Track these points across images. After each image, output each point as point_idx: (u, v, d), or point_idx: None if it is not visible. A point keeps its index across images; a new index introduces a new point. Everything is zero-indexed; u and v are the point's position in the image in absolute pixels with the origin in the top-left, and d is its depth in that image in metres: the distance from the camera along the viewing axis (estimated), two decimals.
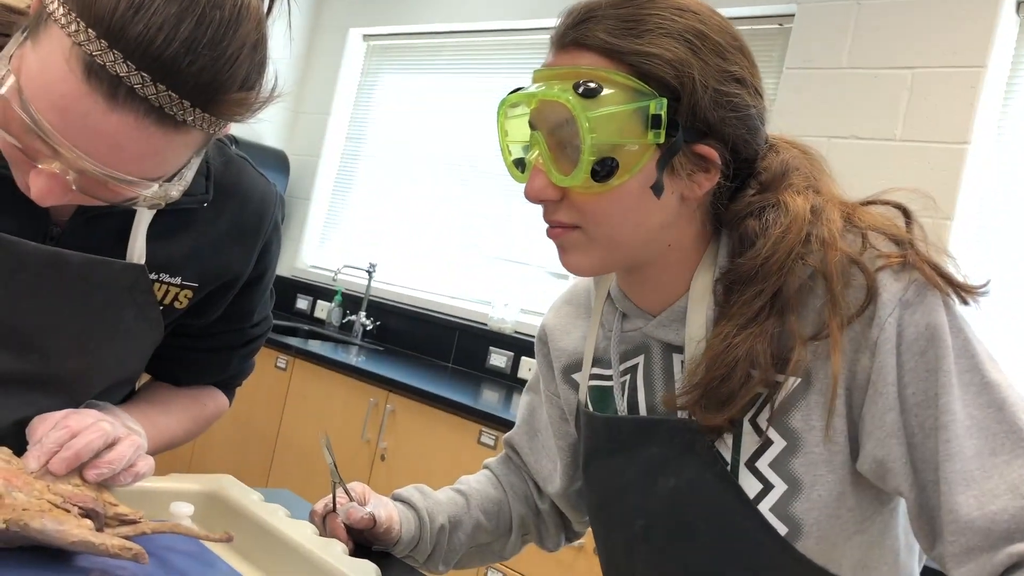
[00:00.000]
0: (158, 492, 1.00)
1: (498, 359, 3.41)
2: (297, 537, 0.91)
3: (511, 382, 3.32)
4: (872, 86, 2.58)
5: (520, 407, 1.19)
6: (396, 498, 1.13)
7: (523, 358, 3.31)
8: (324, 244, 4.41)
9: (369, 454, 2.88)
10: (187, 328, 1.07)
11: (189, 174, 0.82)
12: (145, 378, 1.16)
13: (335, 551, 0.90)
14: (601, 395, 0.99)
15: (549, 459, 1.13)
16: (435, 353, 3.64)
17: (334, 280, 3.93)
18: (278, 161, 4.28)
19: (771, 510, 0.84)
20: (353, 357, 3.25)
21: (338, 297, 4.05)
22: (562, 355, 1.08)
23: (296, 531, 0.93)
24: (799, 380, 0.83)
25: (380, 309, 3.89)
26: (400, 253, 4.03)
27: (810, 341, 0.82)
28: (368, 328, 3.88)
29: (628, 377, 0.96)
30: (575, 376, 1.06)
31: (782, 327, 0.83)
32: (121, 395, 1.07)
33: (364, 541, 1.07)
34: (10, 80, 0.72)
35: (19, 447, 0.87)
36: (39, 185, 0.75)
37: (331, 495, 1.06)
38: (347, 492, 1.06)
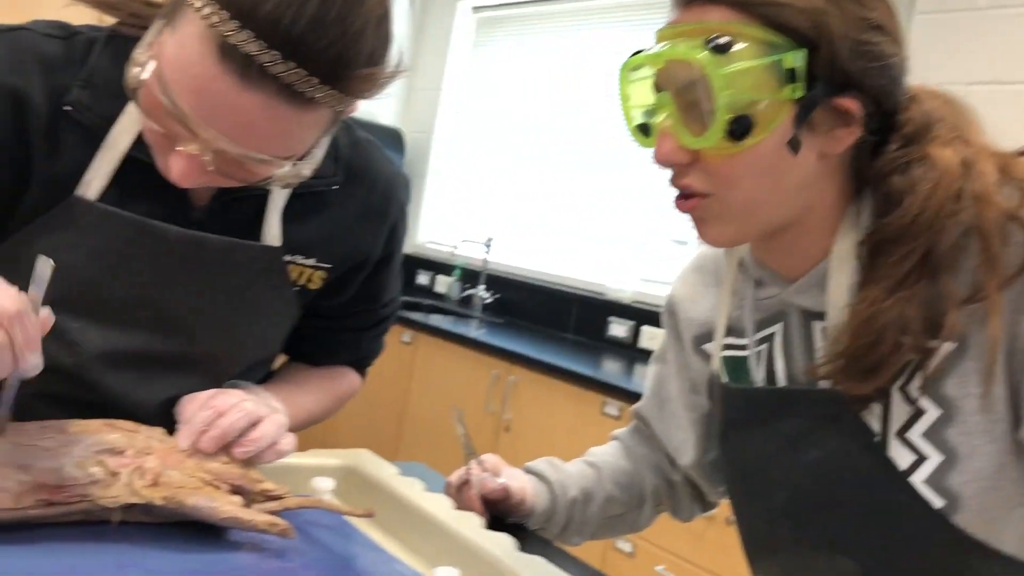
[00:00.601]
0: (299, 468, 1.03)
1: (618, 329, 3.38)
2: (434, 510, 0.93)
3: (632, 352, 3.29)
4: (1017, 26, 2.41)
5: (648, 378, 1.17)
6: (528, 471, 1.13)
7: (644, 327, 3.27)
8: (441, 220, 4.46)
9: (493, 426, 2.91)
10: (320, 309, 1.09)
11: (319, 153, 0.84)
12: (281, 359, 1.20)
13: (472, 523, 0.90)
14: (735, 365, 0.96)
15: (680, 430, 1.11)
16: (554, 324, 3.64)
17: (452, 255, 3.98)
18: (393, 139, 4.35)
19: (925, 482, 0.80)
20: (474, 330, 3.28)
21: (457, 271, 4.10)
22: (692, 325, 1.05)
23: (433, 504, 0.94)
24: (954, 345, 0.79)
25: (498, 282, 3.92)
26: (516, 225, 4.04)
27: (965, 304, 0.77)
28: (487, 301, 3.92)
29: (765, 347, 0.92)
30: (706, 347, 1.03)
31: (934, 290, 0.78)
32: (261, 375, 1.10)
33: (499, 513, 1.08)
34: (151, 66, 0.75)
35: (168, 425, 0.90)
36: (178, 167, 0.78)
37: (465, 468, 1.07)
38: (480, 464, 1.07)
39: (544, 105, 3.99)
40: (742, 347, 0.96)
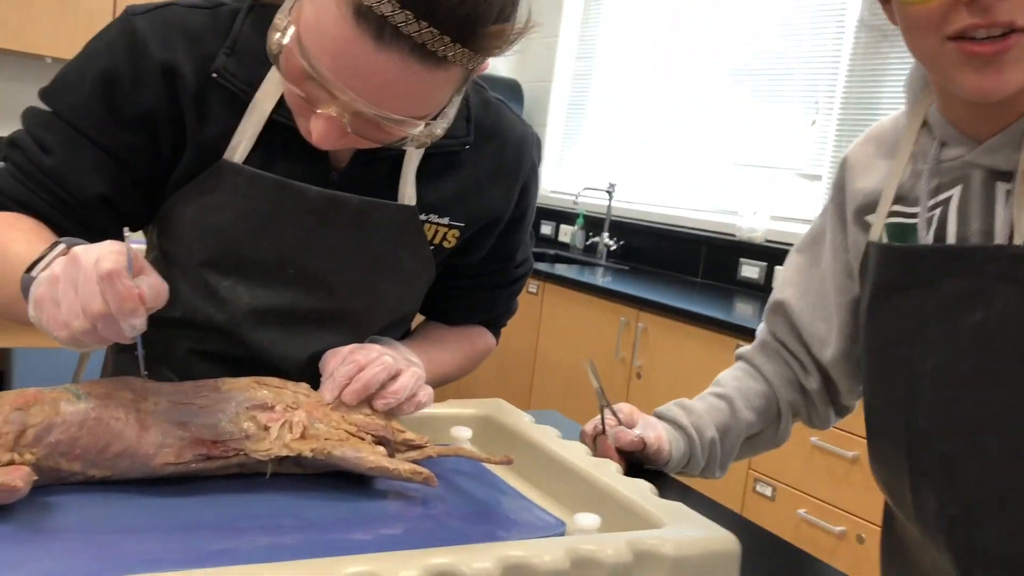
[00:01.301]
0: (437, 418, 1.05)
1: (750, 270, 3.30)
2: (571, 457, 0.93)
3: (765, 293, 3.21)
4: None
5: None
6: (660, 417, 1.12)
7: (777, 268, 3.18)
8: (562, 168, 4.44)
9: (625, 373, 2.90)
10: (455, 268, 1.11)
11: (452, 112, 0.84)
12: (418, 320, 1.22)
13: (609, 470, 0.90)
14: (900, 231, 0.94)
15: (824, 320, 1.08)
16: (682, 268, 3.59)
17: (575, 203, 3.96)
18: (512, 91, 4.33)
19: None
20: (599, 278, 3.27)
21: (580, 220, 4.08)
22: (857, 195, 1.02)
23: (569, 451, 0.94)
24: None
25: (623, 228, 3.88)
26: (639, 170, 3.97)
27: None
28: (612, 248, 3.89)
29: (938, 211, 0.90)
30: (868, 217, 1.00)
31: None
32: (400, 332, 1.13)
33: (635, 461, 1.08)
34: (291, 31, 0.78)
35: (313, 380, 0.94)
36: (318, 129, 0.80)
37: (599, 417, 1.07)
38: (615, 415, 1.07)
39: (663, 39, 3.89)
40: (910, 215, 0.93)
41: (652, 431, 1.05)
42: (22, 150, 0.91)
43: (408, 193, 1.00)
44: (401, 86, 0.76)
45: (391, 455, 0.88)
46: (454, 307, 1.18)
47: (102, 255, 0.68)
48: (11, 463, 0.72)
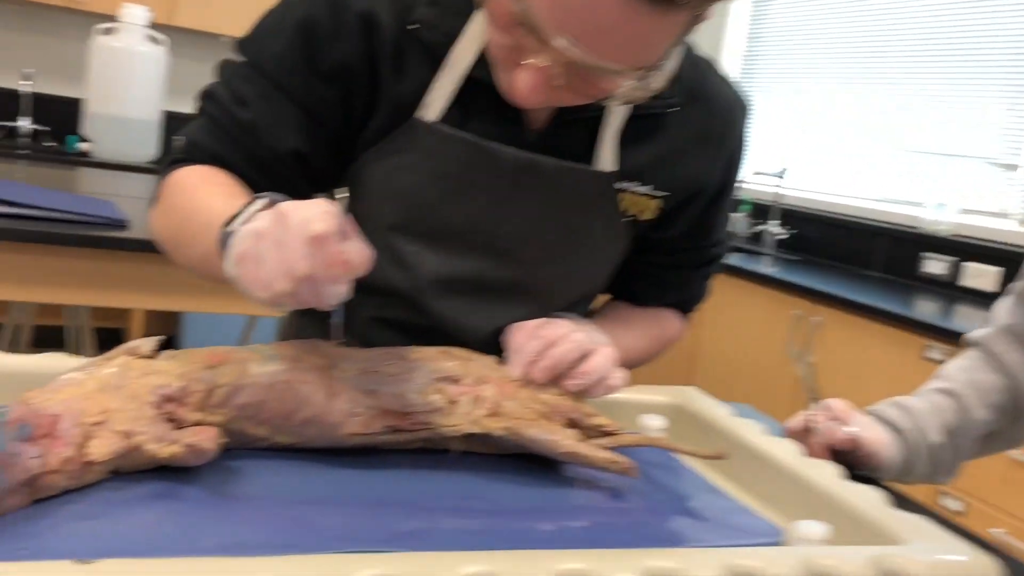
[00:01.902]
0: (624, 404, 0.97)
1: (934, 266, 3.05)
2: (783, 455, 0.83)
3: (951, 291, 2.96)
4: None
5: None
6: (875, 417, 1.00)
7: (967, 264, 2.92)
8: None
9: (796, 369, 2.74)
10: (649, 243, 1.02)
11: (670, 66, 0.76)
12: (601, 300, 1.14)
13: (830, 472, 0.80)
14: None
15: None
16: (856, 261, 3.36)
17: (740, 188, 3.78)
18: None
19: None
20: (767, 268, 3.10)
21: (746, 206, 3.90)
22: None
23: (780, 449, 0.85)
24: None
25: (793, 216, 3.67)
26: (812, 155, 3.75)
27: None
28: (781, 237, 3.69)
29: None
30: None
31: None
32: (584, 310, 1.06)
33: (843, 464, 0.96)
34: None
35: (494, 354, 0.88)
36: (524, 82, 0.74)
37: (806, 412, 0.97)
38: (825, 410, 0.96)
39: (840, 19, 3.65)
40: None
41: (870, 431, 0.94)
42: (218, 102, 0.89)
43: (607, 158, 0.92)
44: (623, 31, 0.68)
45: (582, 440, 0.81)
46: (644, 287, 1.09)
47: (313, 215, 0.63)
48: (199, 423, 0.69)
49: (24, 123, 3.39)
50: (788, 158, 3.81)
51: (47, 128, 3.44)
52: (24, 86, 3.39)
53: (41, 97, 3.47)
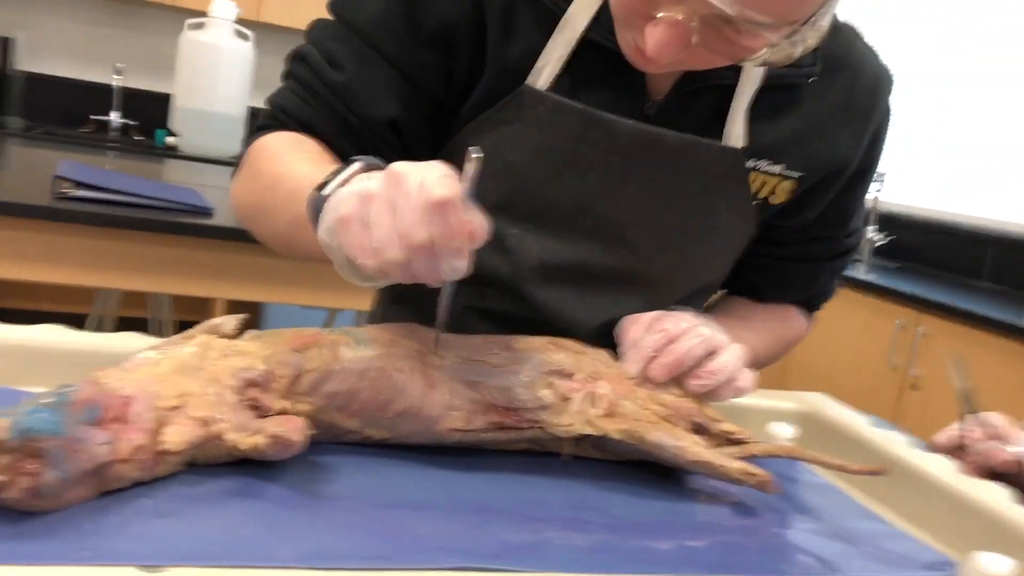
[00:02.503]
0: (747, 410, 0.87)
1: None
2: (945, 476, 0.72)
3: None
4: None
5: None
6: None
7: None
8: None
9: (896, 382, 2.57)
10: (776, 231, 0.92)
11: (825, 23, 0.65)
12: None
13: (1001, 497, 0.69)
14: None
15: None
16: (962, 270, 3.17)
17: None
18: None
19: None
20: (865, 274, 2.93)
21: None
22: None
23: (938, 468, 0.73)
24: None
25: (891, 222, 3.49)
26: (913, 157, 3.56)
27: None
28: (879, 243, 3.51)
29: None
30: None
31: None
32: (701, 303, 0.95)
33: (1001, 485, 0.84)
34: None
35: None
36: (656, 38, 0.64)
37: (958, 426, 0.85)
38: (981, 426, 0.84)
39: (945, 12, 3.45)
40: None
41: None
42: (309, 65, 0.81)
43: (736, 132, 0.82)
44: None
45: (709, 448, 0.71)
46: (768, 280, 0.98)
47: (433, 178, 0.55)
48: (284, 412, 0.62)
49: (115, 117, 3.43)
50: (887, 162, 3.62)
51: (135, 122, 3.48)
52: (115, 80, 3.43)
53: (130, 92, 3.51)
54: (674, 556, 0.59)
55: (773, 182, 0.85)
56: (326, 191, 0.62)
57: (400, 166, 0.57)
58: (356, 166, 0.63)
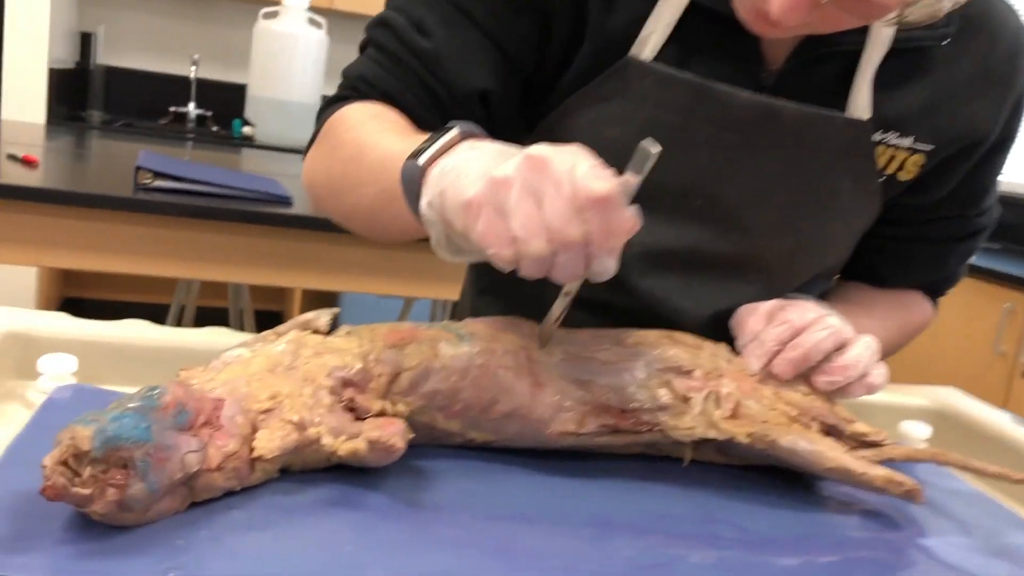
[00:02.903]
0: (873, 407, 0.80)
1: None
2: None
3: None
4: None
5: None
6: None
7: None
8: None
9: (1005, 370, 2.43)
10: (901, 210, 0.83)
11: None
12: None
13: None
14: None
15: None
16: None
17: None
18: None
19: None
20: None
21: None
22: None
23: None
24: None
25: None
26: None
27: None
28: None
29: None
30: None
31: None
32: (818, 292, 0.88)
33: None
34: None
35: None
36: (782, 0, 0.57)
37: None
38: None
39: None
40: None
41: None
42: (393, 30, 0.75)
43: (861, 103, 0.74)
44: None
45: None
46: (890, 264, 0.90)
47: (586, 169, 0.50)
48: (382, 413, 0.57)
49: (192, 108, 3.46)
50: None
51: (212, 113, 3.50)
52: (192, 72, 3.46)
53: (206, 83, 3.53)
54: (823, 574, 0.52)
55: (901, 156, 0.77)
56: (421, 160, 0.56)
57: (540, 150, 0.51)
58: (455, 132, 0.57)
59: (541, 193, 0.50)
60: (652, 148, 0.51)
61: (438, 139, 0.57)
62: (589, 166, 0.50)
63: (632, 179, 0.51)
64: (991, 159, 0.82)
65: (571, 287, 0.58)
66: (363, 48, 0.78)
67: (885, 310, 0.90)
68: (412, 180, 0.57)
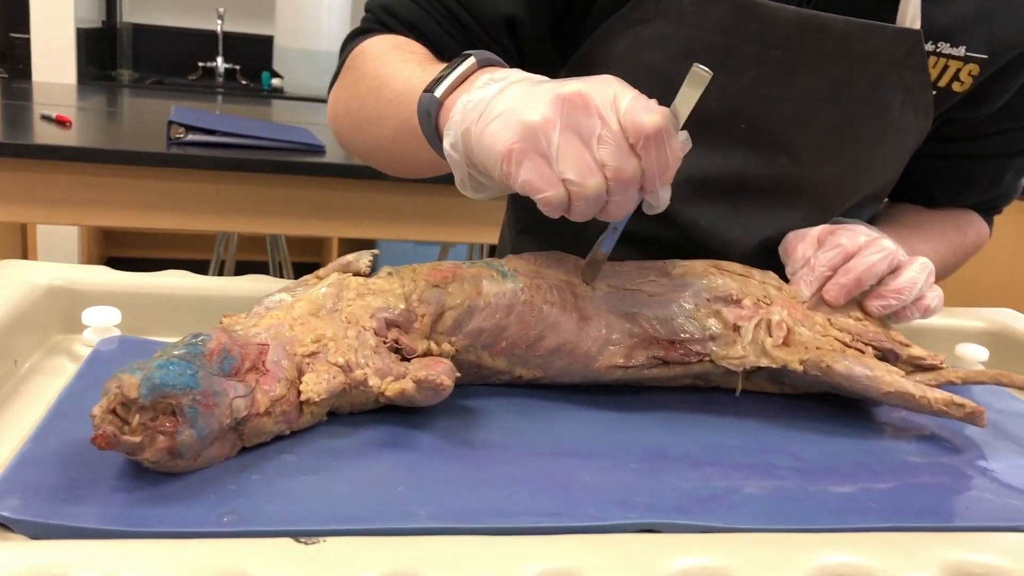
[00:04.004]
0: (929, 331, 0.78)
1: None
2: None
3: None
4: None
5: None
6: None
7: None
8: None
9: None
10: (954, 125, 0.80)
11: None
12: None
13: None
14: None
15: None
16: None
17: None
18: None
19: None
20: None
21: None
22: None
23: None
24: None
25: None
26: None
27: None
28: None
29: None
30: None
31: None
32: (867, 215, 0.85)
33: None
34: None
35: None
36: None
37: None
38: None
39: None
40: None
41: None
42: None
43: (912, 12, 0.71)
44: None
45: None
46: (942, 183, 0.87)
47: (630, 101, 0.48)
48: (427, 353, 0.56)
49: (220, 62, 3.44)
50: None
51: (240, 66, 3.48)
52: (218, 26, 3.43)
53: (233, 36, 3.51)
54: (883, 500, 0.51)
55: (955, 66, 0.73)
56: (438, 91, 0.55)
57: (574, 85, 0.49)
58: (471, 61, 0.56)
59: (588, 131, 0.48)
60: (704, 72, 0.49)
61: (455, 68, 0.55)
62: (632, 97, 0.49)
63: (681, 107, 0.49)
64: None
65: (620, 222, 0.57)
66: None
67: (938, 232, 0.87)
68: (429, 114, 0.55)
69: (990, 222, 0.92)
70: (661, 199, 0.51)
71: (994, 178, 0.87)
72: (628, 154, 0.48)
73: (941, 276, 0.88)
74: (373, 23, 0.74)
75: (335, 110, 0.77)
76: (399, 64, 0.66)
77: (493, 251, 1.05)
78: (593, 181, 0.48)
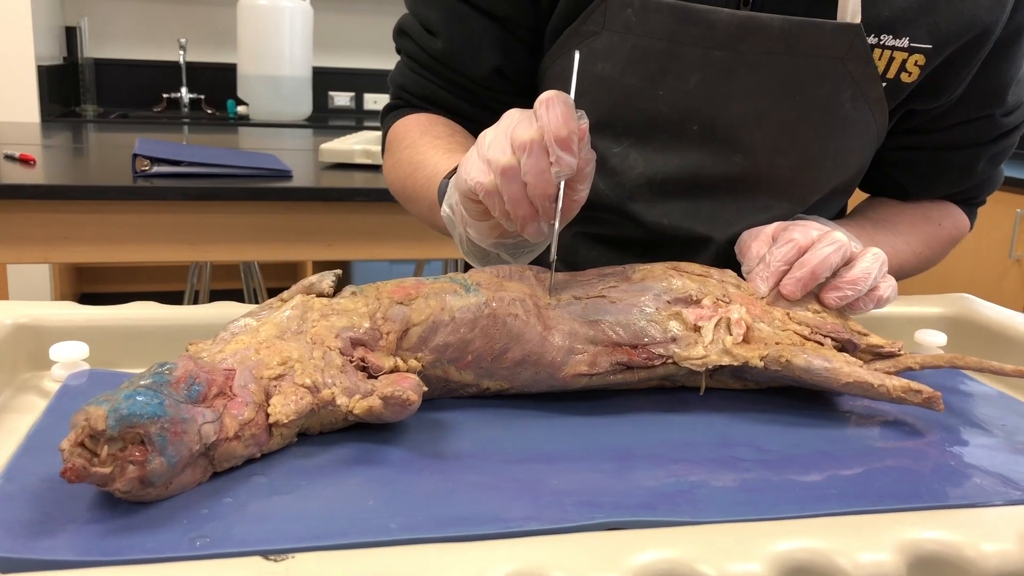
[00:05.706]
0: (887, 319, 0.79)
1: None
2: None
3: None
4: None
5: None
6: None
7: None
8: None
9: (1019, 277, 2.42)
10: (917, 117, 0.81)
11: None
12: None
13: None
14: None
15: None
16: None
17: None
18: None
19: None
20: None
21: None
22: None
23: None
24: None
25: None
26: None
27: None
28: None
29: None
30: None
31: None
32: (836, 209, 0.86)
33: None
34: None
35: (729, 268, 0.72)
36: None
37: None
38: None
39: None
40: None
41: None
42: (411, 37, 0.84)
43: (851, 6, 0.72)
44: None
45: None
46: (911, 175, 0.88)
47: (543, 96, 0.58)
48: (394, 370, 0.57)
49: (184, 92, 3.44)
50: None
51: (202, 96, 3.48)
52: (180, 57, 3.43)
53: (196, 66, 3.51)
54: (845, 486, 0.52)
55: (900, 57, 0.75)
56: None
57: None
58: None
59: (507, 124, 0.58)
60: (576, 52, 0.63)
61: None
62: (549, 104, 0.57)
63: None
64: (1006, 53, 0.79)
65: (556, 228, 0.59)
66: (398, 53, 0.88)
67: (908, 224, 0.88)
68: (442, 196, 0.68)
69: (972, 214, 0.93)
70: (566, 161, 0.56)
71: (965, 169, 0.88)
72: (527, 121, 0.57)
73: (918, 269, 0.89)
74: (398, 99, 0.89)
75: (390, 183, 0.90)
76: (428, 151, 0.79)
77: (468, 267, 1.06)
78: (498, 153, 0.57)
